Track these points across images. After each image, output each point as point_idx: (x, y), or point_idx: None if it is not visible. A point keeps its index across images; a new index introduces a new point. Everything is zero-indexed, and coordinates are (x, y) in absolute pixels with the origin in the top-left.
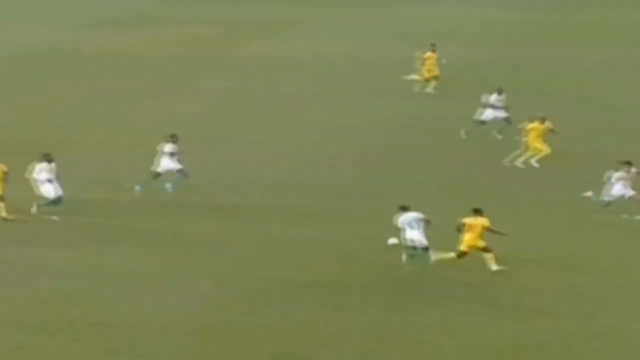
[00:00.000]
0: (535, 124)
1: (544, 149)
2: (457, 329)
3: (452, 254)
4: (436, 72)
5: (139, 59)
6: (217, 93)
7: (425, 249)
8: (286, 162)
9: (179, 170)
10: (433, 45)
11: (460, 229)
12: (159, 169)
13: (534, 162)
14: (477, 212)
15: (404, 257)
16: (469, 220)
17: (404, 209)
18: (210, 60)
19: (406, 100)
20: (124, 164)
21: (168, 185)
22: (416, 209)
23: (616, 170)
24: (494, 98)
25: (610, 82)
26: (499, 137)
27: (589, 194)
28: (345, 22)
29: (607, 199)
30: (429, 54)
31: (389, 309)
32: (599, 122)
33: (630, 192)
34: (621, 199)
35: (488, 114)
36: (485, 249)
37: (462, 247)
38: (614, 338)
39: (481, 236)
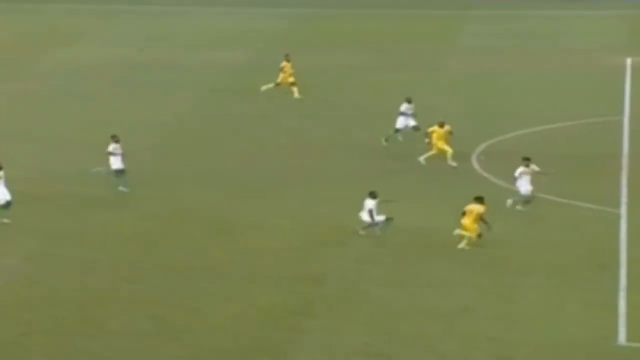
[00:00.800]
0: (435, 127)
1: (447, 149)
2: (232, 296)
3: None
4: (292, 79)
5: None
6: (18, 95)
7: (370, 224)
8: (84, 155)
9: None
10: (287, 55)
11: (463, 213)
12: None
13: (450, 162)
14: (477, 199)
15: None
16: (469, 206)
17: (371, 194)
18: (9, 66)
19: (189, 99)
20: None
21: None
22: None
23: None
24: (404, 107)
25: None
26: (385, 143)
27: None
28: (132, 31)
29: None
30: (284, 63)
31: (174, 282)
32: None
33: (529, 187)
34: (530, 193)
35: (400, 121)
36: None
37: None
38: (367, 301)
39: (476, 221)
